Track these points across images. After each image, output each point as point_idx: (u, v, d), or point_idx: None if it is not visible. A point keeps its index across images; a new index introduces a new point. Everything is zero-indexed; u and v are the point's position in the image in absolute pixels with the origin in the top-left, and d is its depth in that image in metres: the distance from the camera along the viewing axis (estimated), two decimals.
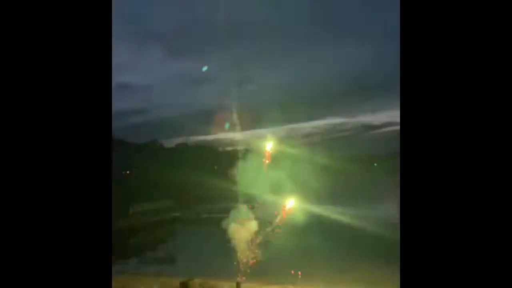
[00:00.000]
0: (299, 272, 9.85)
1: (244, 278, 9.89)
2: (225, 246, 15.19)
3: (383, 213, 22.03)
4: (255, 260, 11.76)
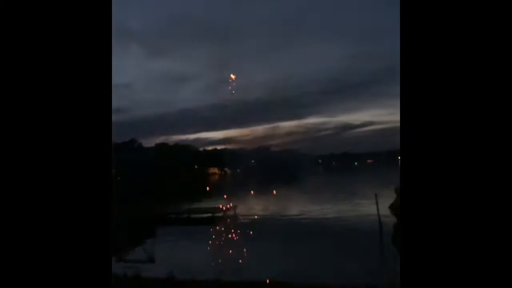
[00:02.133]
0: None
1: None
2: (206, 246, 15.10)
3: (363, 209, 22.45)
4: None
